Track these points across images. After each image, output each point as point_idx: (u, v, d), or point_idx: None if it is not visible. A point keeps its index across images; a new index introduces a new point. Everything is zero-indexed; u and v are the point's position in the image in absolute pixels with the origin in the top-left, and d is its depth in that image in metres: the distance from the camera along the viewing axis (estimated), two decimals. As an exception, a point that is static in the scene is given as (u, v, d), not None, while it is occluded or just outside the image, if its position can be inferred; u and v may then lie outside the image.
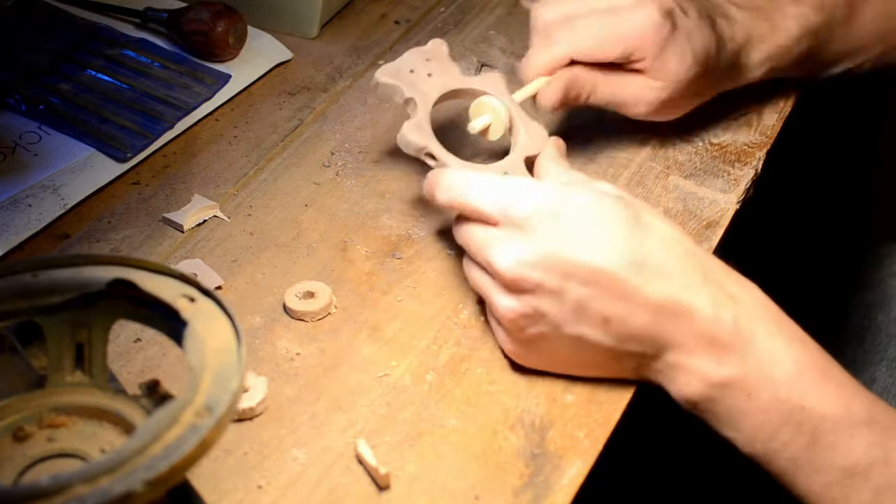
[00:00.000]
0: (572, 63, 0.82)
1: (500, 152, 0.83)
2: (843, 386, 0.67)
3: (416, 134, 0.78)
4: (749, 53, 0.87)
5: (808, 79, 0.94)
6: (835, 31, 0.90)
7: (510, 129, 0.81)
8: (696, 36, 0.82)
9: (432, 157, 0.77)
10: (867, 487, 0.65)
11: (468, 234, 0.71)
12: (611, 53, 0.82)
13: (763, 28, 0.87)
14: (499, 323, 0.71)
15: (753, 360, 0.66)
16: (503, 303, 0.69)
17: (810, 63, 0.91)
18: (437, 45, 0.84)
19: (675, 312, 0.66)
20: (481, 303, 0.76)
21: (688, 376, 0.67)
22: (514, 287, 0.68)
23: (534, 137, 0.80)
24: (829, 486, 0.66)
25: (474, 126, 0.80)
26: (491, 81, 0.83)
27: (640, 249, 0.67)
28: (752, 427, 0.67)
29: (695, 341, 0.66)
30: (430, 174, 0.74)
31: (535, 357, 0.71)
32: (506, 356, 0.72)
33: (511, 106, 0.81)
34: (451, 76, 0.82)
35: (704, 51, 0.83)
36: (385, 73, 0.81)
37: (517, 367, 0.72)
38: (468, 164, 0.78)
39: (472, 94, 0.82)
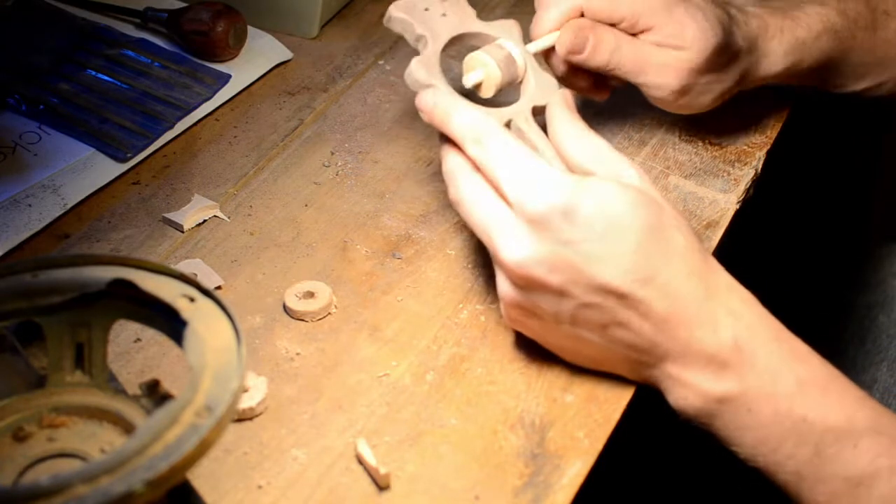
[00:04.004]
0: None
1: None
2: (845, 397, 0.66)
3: (424, 71, 0.75)
4: (768, 43, 0.84)
5: (827, 91, 0.91)
6: (857, 38, 0.88)
7: (521, 80, 0.79)
8: (707, 7, 0.80)
9: None
10: (873, 497, 0.64)
11: (473, 201, 0.69)
12: (618, 10, 0.79)
13: (782, 21, 0.85)
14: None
15: (753, 377, 0.65)
16: (504, 287, 0.68)
17: (832, 70, 0.89)
18: None
19: (676, 327, 0.66)
20: (482, 303, 0.76)
21: (685, 390, 0.67)
22: (517, 281, 0.67)
23: (543, 88, 0.78)
24: (835, 497, 0.65)
25: (467, 81, 0.78)
26: (506, 28, 0.80)
27: (647, 264, 0.65)
28: (753, 441, 0.66)
29: (693, 356, 0.66)
30: (440, 97, 0.72)
31: (532, 336, 0.71)
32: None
33: (524, 55, 0.79)
34: (466, 19, 0.80)
35: (720, 22, 0.80)
36: (399, 8, 0.80)
37: (517, 368, 0.72)
38: (474, 105, 0.74)
39: (485, 40, 0.80)
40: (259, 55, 0.98)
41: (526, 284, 0.67)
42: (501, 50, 0.78)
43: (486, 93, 0.78)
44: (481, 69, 0.78)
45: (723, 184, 0.86)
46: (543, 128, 0.75)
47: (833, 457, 0.65)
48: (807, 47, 0.86)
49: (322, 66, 0.99)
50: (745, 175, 0.87)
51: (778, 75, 0.86)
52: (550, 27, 0.80)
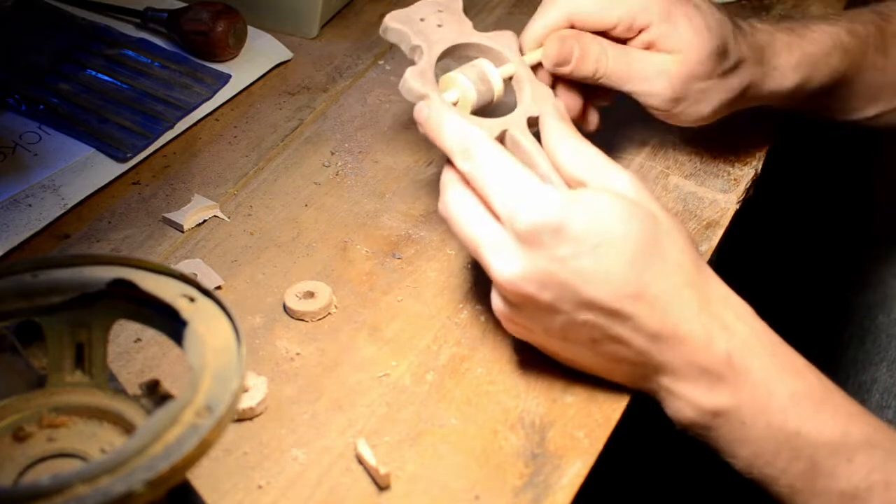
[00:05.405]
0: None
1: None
2: (840, 412, 0.66)
3: (419, 81, 0.75)
4: (777, 57, 0.82)
5: (837, 119, 0.90)
6: (868, 59, 0.86)
7: (515, 88, 0.78)
8: (707, 10, 0.78)
9: None
10: None
11: (462, 216, 0.68)
12: (611, 15, 0.78)
13: (789, 37, 0.83)
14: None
15: (747, 391, 0.65)
16: (497, 302, 0.69)
17: (844, 91, 0.87)
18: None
19: (668, 341, 0.65)
20: (481, 303, 0.76)
21: (679, 402, 0.67)
22: (509, 297, 0.67)
23: (539, 98, 0.77)
24: None
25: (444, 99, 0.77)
26: (502, 39, 0.80)
27: (638, 279, 0.64)
28: (748, 453, 0.66)
29: (687, 369, 0.66)
30: (434, 110, 0.72)
31: (532, 344, 0.71)
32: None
33: (519, 65, 0.78)
34: (462, 30, 0.80)
35: (720, 25, 0.78)
36: (394, 19, 0.80)
37: (517, 368, 0.72)
38: (469, 116, 0.75)
39: (481, 50, 0.79)
40: (259, 55, 0.98)
41: (518, 300, 0.66)
42: (476, 70, 0.78)
43: (463, 112, 0.77)
44: (456, 90, 0.77)
45: (723, 184, 0.86)
46: (539, 138, 0.75)
47: (827, 471, 0.65)
48: (817, 63, 0.84)
49: (322, 66, 0.99)
50: (745, 175, 0.87)
51: (788, 93, 0.84)
52: (539, 37, 0.79)
